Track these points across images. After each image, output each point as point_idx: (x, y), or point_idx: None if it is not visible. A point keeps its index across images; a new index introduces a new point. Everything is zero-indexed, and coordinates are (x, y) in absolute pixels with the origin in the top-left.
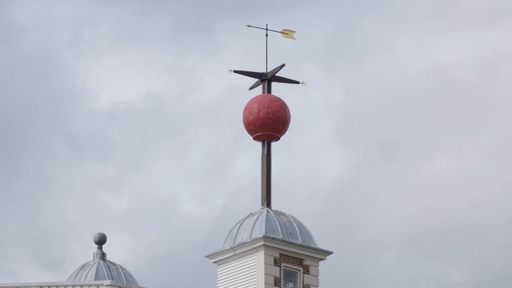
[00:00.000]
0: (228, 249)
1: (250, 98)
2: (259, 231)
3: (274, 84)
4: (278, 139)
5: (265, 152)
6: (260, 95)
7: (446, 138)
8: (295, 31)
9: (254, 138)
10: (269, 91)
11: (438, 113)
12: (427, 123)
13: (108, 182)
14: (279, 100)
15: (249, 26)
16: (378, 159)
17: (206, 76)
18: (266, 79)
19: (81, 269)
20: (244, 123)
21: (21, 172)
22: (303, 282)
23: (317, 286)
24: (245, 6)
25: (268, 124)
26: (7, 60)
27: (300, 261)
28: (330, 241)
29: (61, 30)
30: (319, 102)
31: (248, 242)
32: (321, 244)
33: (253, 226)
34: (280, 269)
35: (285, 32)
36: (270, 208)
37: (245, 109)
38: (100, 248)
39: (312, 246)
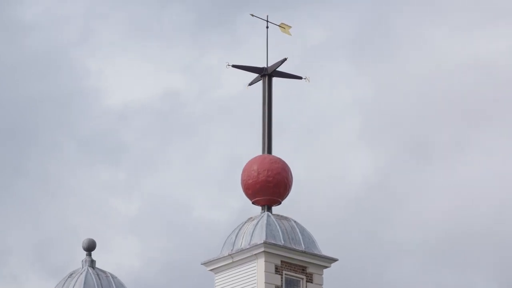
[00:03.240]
0: (226, 256)
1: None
2: (259, 237)
3: (275, 80)
4: (279, 203)
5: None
6: (259, 156)
7: (484, 139)
8: (291, 26)
9: (253, 203)
10: (269, 87)
11: (476, 111)
12: (464, 122)
13: (118, 185)
14: (280, 162)
15: (252, 15)
16: (408, 161)
17: (224, 74)
18: (267, 74)
19: (68, 277)
20: (242, 186)
21: (22, 173)
22: None
23: None
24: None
25: (268, 188)
26: (16, 58)
27: (303, 269)
28: (348, 247)
29: (71, 25)
30: (345, 99)
31: (247, 249)
32: (341, 250)
33: (253, 231)
34: (282, 278)
35: (282, 26)
36: (271, 212)
37: (244, 171)
38: (89, 255)
39: (316, 252)
